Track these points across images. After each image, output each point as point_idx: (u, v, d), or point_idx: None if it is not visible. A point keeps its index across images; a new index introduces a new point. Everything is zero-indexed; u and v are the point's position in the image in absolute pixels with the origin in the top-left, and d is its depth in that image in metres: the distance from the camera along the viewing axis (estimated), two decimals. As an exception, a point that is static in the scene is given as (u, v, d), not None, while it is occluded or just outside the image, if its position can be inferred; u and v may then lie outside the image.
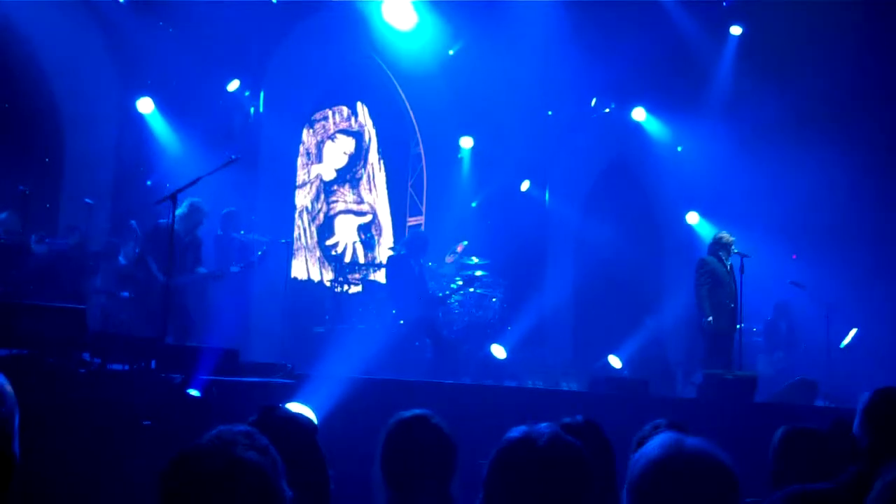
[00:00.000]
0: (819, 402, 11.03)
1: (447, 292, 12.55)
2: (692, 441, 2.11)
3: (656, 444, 2.11)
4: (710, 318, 11.01)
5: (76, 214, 11.48)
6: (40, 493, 5.76)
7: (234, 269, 10.70)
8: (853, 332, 13.86)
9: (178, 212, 9.11)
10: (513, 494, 2.25)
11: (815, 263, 14.25)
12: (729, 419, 8.96)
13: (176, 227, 8.95)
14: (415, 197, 16.24)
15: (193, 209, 9.88)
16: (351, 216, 15.81)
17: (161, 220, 9.68)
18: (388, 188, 16.27)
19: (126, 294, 10.82)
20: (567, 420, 3.82)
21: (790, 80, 14.51)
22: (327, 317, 12.81)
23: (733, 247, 11.31)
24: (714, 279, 11.23)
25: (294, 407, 4.23)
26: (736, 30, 15.58)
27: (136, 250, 10.91)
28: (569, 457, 2.28)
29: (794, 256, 15.23)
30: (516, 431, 2.35)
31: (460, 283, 12.76)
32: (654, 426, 4.03)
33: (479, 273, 13.04)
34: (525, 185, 15.72)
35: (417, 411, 3.42)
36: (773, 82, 14.70)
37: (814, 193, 14.45)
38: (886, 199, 14.36)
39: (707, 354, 11.32)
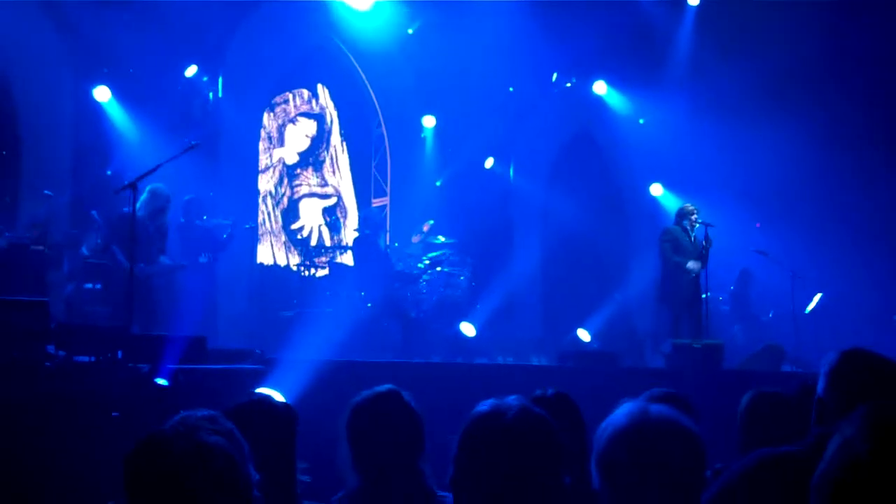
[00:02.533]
0: (786, 368, 11.16)
1: (415, 272, 12.56)
2: (657, 408, 2.12)
3: (622, 412, 2.12)
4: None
5: (36, 207, 11.33)
6: (8, 488, 5.71)
7: (203, 259, 10.65)
8: (818, 296, 14.03)
9: (140, 199, 9.07)
10: (482, 468, 2.25)
11: (779, 231, 14.38)
12: (697, 387, 9.02)
13: (140, 214, 8.91)
14: (379, 178, 16.18)
15: (154, 195, 9.79)
16: (315, 199, 15.73)
17: (125, 209, 9.60)
18: (352, 170, 16.20)
19: (90, 285, 10.72)
20: (538, 392, 3.85)
21: (750, 49, 14.57)
22: (295, 301, 12.78)
23: (697, 216, 11.43)
24: (677, 246, 11.35)
25: (265, 392, 4.23)
26: (694, 0, 15.61)
27: (99, 241, 10.80)
28: (537, 429, 2.28)
29: (757, 225, 15.36)
30: (485, 405, 2.34)
31: (427, 262, 12.77)
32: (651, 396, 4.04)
33: (446, 252, 13.04)
34: (489, 163, 15.72)
35: (382, 388, 3.40)
36: (732, 52, 14.75)
37: (776, 161, 14.55)
38: (848, 165, 14.49)
39: (674, 324, 11.45)
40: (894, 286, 14.00)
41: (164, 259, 10.18)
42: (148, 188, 9.64)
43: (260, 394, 3.42)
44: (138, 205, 8.71)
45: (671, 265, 11.42)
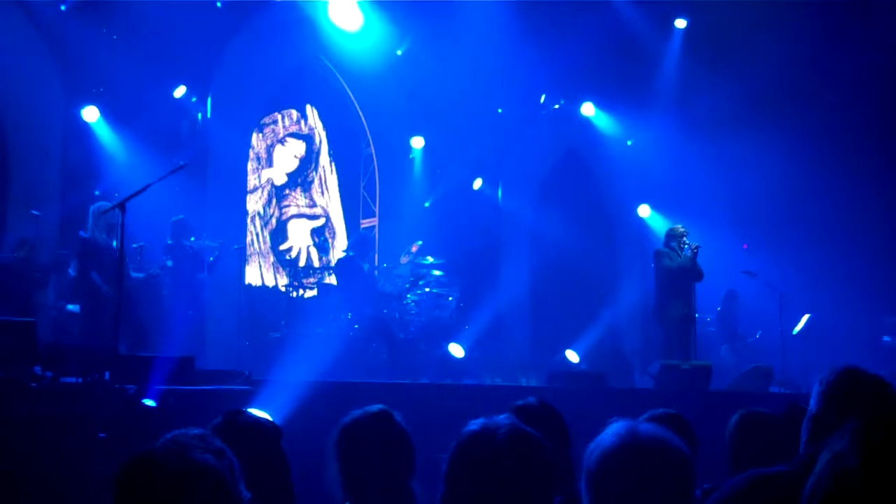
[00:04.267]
0: (774, 389, 11.17)
1: (403, 292, 12.56)
2: (646, 428, 2.12)
3: (611, 432, 2.12)
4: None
5: (24, 227, 11.29)
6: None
7: (169, 263, 10.64)
8: (805, 317, 14.06)
9: (88, 224, 9.14)
10: (473, 487, 2.24)
11: (767, 251, 14.44)
12: (686, 408, 9.02)
13: (101, 237, 8.98)
14: (367, 198, 16.19)
15: (102, 215, 9.61)
16: (304, 220, 15.72)
17: (82, 233, 9.66)
18: (341, 190, 16.20)
19: (76, 307, 10.67)
20: (520, 403, 3.85)
21: (737, 70, 14.68)
22: (283, 322, 12.74)
23: (686, 238, 11.49)
24: (669, 267, 11.42)
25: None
26: (681, 23, 15.72)
27: (73, 273, 10.68)
28: (528, 448, 2.28)
29: (745, 246, 15.42)
30: (474, 424, 2.34)
31: (416, 283, 12.76)
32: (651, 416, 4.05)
33: (434, 273, 13.04)
34: (477, 184, 15.75)
35: (373, 407, 3.40)
36: (720, 74, 14.86)
37: (764, 183, 14.63)
38: (835, 186, 14.56)
39: (665, 345, 11.47)
40: (882, 307, 14.07)
41: (133, 274, 10.14)
42: (91, 209, 9.58)
43: (238, 409, 3.39)
44: (90, 228, 8.77)
45: (664, 285, 11.43)
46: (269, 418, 3.75)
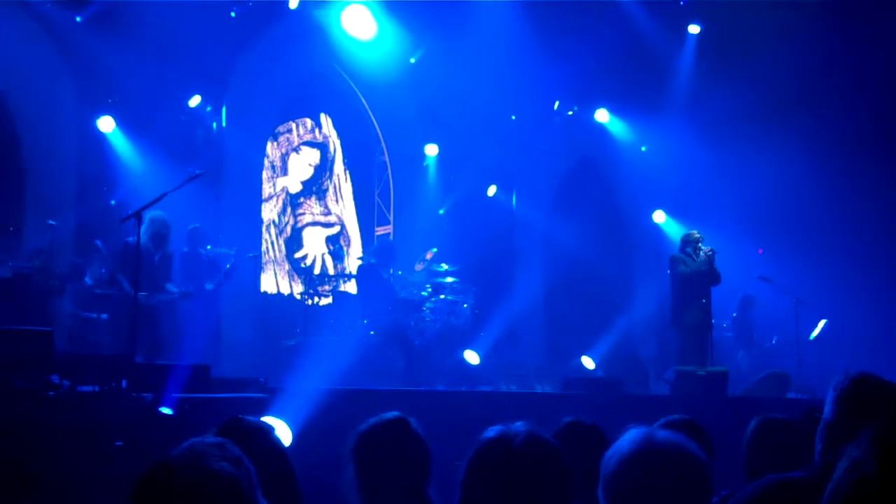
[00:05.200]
0: (791, 395, 11.12)
1: (418, 300, 12.57)
2: (662, 434, 2.12)
3: (627, 439, 2.12)
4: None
5: (40, 237, 11.36)
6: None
7: (209, 286, 10.68)
8: (822, 323, 13.98)
9: (142, 228, 9.13)
10: (490, 494, 2.24)
11: (782, 257, 14.37)
12: (702, 415, 8.99)
13: (144, 244, 8.96)
14: (382, 206, 16.21)
15: (153, 223, 9.81)
16: (318, 228, 15.76)
17: (129, 239, 9.71)
18: (355, 198, 16.23)
19: (94, 315, 10.74)
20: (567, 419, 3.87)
21: (751, 75, 14.62)
22: (298, 329, 12.76)
23: (701, 244, 11.46)
24: (686, 274, 11.39)
25: (268, 421, 4.20)
26: (694, 28, 15.69)
27: (103, 270, 10.82)
28: (545, 455, 2.28)
29: (760, 251, 15.35)
30: (492, 431, 2.35)
31: (431, 290, 12.77)
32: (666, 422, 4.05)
33: (449, 279, 13.04)
34: (492, 190, 15.74)
35: (389, 415, 3.40)
36: (733, 78, 14.80)
37: (778, 187, 14.57)
38: (850, 189, 14.49)
39: (682, 351, 11.43)
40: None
41: (170, 287, 10.22)
42: (147, 217, 9.68)
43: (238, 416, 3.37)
44: (141, 234, 8.77)
45: (680, 291, 11.40)
46: (281, 426, 3.76)
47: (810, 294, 13.18)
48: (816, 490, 1.56)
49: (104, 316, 10.47)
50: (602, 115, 16.15)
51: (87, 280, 11.24)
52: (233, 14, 13.04)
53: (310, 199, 15.72)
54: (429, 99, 15.08)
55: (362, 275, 12.58)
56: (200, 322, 10.51)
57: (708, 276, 11.32)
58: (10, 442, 6.07)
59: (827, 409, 2.90)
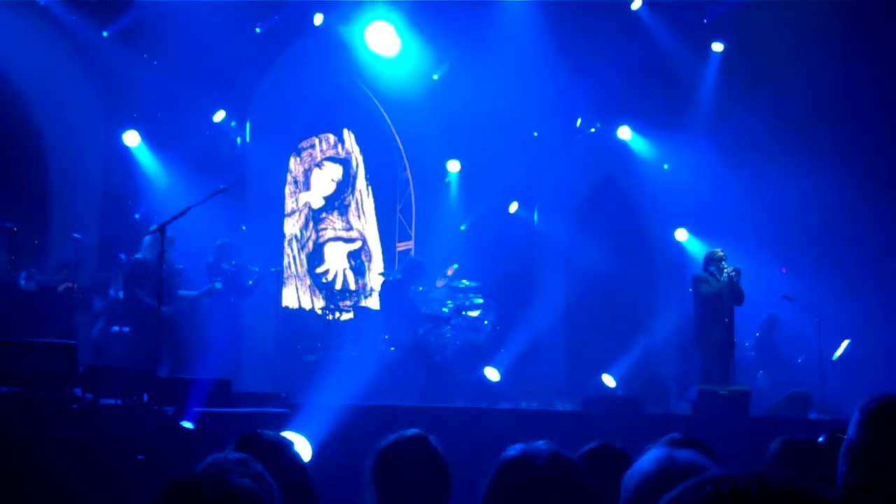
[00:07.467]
0: (813, 415, 11.03)
1: (440, 316, 12.58)
2: (684, 454, 2.11)
3: (648, 459, 2.11)
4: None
5: (65, 250, 11.45)
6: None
7: (218, 285, 10.76)
8: (845, 343, 13.86)
9: (144, 243, 9.33)
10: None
11: (806, 276, 14.27)
12: (724, 434, 8.94)
13: (149, 257, 9.13)
14: (403, 222, 16.24)
15: (155, 239, 9.80)
16: (340, 243, 15.80)
17: (137, 255, 9.90)
18: (377, 214, 16.27)
19: (117, 328, 10.80)
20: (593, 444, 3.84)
21: (774, 93, 14.57)
22: (319, 344, 12.79)
23: (725, 262, 11.38)
24: (708, 293, 11.32)
25: (288, 436, 4.20)
26: (717, 46, 15.67)
27: (120, 293, 10.84)
28: (567, 474, 2.28)
29: (783, 270, 15.25)
30: (514, 449, 2.34)
31: (452, 306, 12.77)
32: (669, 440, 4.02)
33: (470, 296, 13.03)
34: (513, 207, 15.75)
35: (409, 431, 3.40)
36: (756, 97, 14.76)
37: (801, 206, 14.49)
38: (874, 209, 14.39)
39: (704, 370, 11.35)
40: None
41: (182, 293, 10.31)
42: (147, 236, 9.75)
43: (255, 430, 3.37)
44: (144, 249, 8.95)
45: (703, 310, 11.33)
46: (301, 442, 3.76)
47: (833, 314, 13.08)
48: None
49: (125, 329, 10.53)
50: (624, 133, 16.13)
51: (111, 292, 11.31)
52: (258, 30, 13.15)
53: (332, 214, 15.77)
54: (451, 115, 15.12)
55: (386, 290, 12.59)
56: (222, 336, 10.55)
57: (731, 295, 11.24)
58: (32, 454, 6.11)
59: (851, 430, 2.88)
